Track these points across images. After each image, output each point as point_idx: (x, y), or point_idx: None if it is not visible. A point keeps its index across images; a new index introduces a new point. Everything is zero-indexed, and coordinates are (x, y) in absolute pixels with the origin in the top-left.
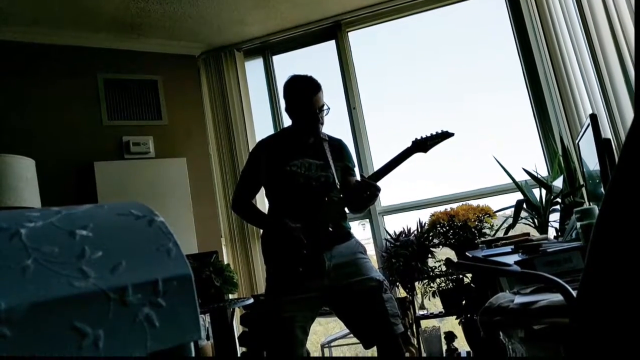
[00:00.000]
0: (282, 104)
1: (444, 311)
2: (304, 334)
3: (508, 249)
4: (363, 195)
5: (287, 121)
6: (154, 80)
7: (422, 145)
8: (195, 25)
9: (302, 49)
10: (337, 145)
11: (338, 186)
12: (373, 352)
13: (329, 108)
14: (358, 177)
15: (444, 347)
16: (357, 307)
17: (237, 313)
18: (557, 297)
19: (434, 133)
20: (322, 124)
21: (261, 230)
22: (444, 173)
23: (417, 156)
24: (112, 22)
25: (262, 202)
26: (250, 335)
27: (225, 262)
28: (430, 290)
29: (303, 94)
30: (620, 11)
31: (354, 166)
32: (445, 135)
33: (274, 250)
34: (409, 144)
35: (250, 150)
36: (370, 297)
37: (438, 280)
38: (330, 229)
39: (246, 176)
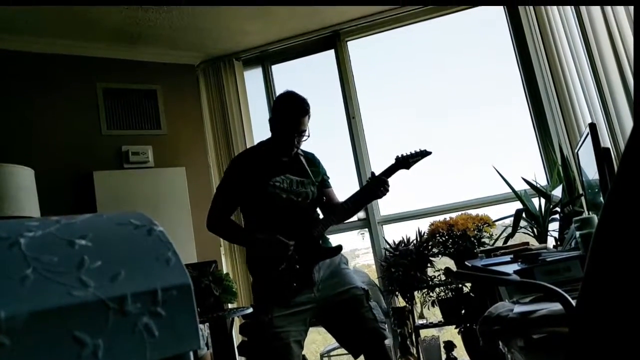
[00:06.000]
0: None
1: (443, 320)
2: (299, 348)
3: (507, 258)
4: (379, 190)
5: None
6: (153, 90)
7: (405, 162)
8: (195, 34)
9: (301, 59)
10: (311, 158)
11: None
12: None
13: (308, 136)
14: (333, 187)
15: (444, 357)
16: (345, 315)
17: (237, 322)
18: (557, 306)
19: (415, 151)
20: (298, 148)
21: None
22: (443, 182)
23: (419, 166)
24: (112, 32)
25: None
26: (248, 345)
27: (225, 272)
28: (429, 300)
29: (287, 113)
30: (619, 21)
31: (329, 177)
32: (424, 154)
33: (263, 266)
34: (392, 161)
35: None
36: (357, 305)
37: (437, 289)
38: (321, 242)
39: (226, 193)
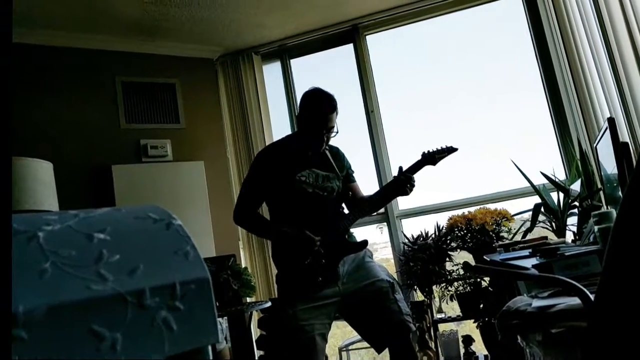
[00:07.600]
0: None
1: (461, 315)
2: (324, 341)
3: (526, 252)
4: (405, 187)
5: None
6: (172, 84)
7: (431, 158)
8: (213, 28)
9: (320, 53)
10: (336, 153)
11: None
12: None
13: (337, 132)
14: (357, 181)
15: (462, 351)
16: (369, 308)
17: (255, 316)
18: (575, 301)
19: (441, 147)
20: (327, 144)
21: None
22: (461, 177)
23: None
24: (131, 26)
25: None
26: (267, 339)
27: (243, 266)
28: (448, 294)
29: (317, 110)
30: (638, 14)
31: (353, 171)
32: (450, 150)
33: (288, 259)
34: (418, 157)
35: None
36: (383, 297)
37: (456, 283)
38: (346, 237)
39: (252, 186)
